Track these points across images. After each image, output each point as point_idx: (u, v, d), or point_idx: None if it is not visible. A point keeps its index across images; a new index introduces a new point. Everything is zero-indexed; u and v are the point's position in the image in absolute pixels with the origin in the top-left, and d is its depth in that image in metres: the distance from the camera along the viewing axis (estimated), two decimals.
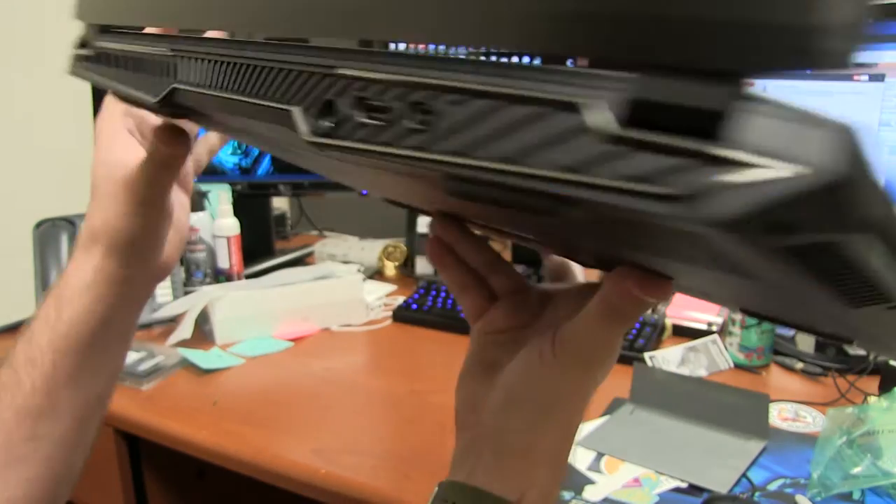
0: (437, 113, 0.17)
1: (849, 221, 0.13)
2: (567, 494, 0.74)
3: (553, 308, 0.41)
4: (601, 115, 0.14)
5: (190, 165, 0.51)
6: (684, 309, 1.18)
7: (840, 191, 0.12)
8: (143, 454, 1.02)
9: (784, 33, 0.12)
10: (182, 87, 0.25)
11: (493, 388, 0.39)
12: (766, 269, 0.17)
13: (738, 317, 1.04)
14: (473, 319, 0.42)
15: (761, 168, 0.12)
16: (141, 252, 0.46)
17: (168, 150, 0.41)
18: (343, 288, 1.22)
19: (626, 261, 0.29)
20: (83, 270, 0.46)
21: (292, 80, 0.21)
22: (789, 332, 1.13)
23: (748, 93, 0.13)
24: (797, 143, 0.12)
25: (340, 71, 0.20)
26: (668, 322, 1.15)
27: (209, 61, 0.24)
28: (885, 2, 0.97)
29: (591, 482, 0.76)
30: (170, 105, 0.26)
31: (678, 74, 0.13)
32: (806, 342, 1.10)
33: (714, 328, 1.12)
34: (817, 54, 0.12)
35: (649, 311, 1.18)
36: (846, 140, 0.12)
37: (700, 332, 1.12)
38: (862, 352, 1.05)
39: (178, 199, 0.49)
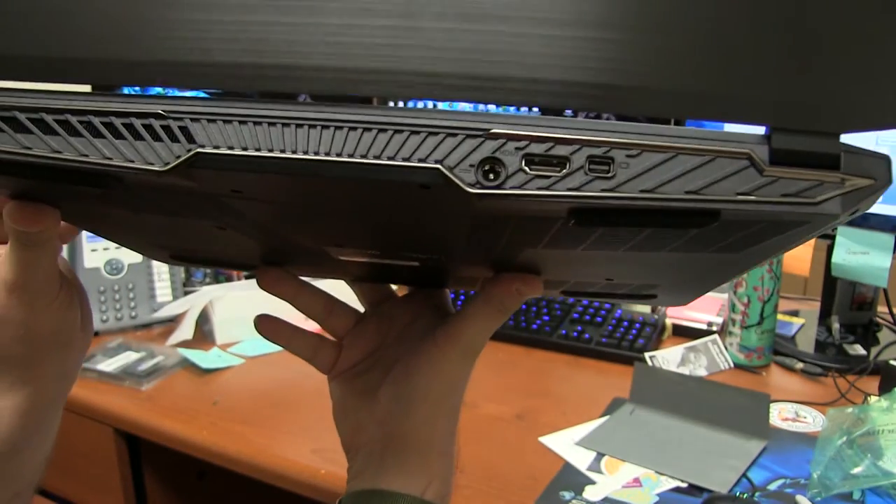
0: (616, 164, 0.23)
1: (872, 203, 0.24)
2: (567, 494, 0.74)
3: (391, 321, 0.46)
4: (763, 159, 0.22)
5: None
6: (684, 309, 1.18)
7: (884, 188, 0.23)
8: (143, 454, 1.02)
9: (863, 113, 0.22)
10: (217, 152, 0.23)
11: (376, 403, 0.42)
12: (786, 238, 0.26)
13: (738, 317, 1.04)
14: (328, 370, 0.46)
15: (857, 181, 0.22)
16: (61, 345, 0.40)
17: (40, 227, 0.32)
18: (343, 288, 1.21)
19: (481, 271, 0.38)
20: None
21: (418, 140, 0.23)
22: (790, 333, 1.14)
23: (842, 144, 0.22)
24: (869, 168, 0.23)
25: (504, 130, 0.23)
26: (668, 322, 1.15)
27: (260, 123, 0.23)
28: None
29: (591, 482, 0.76)
30: (176, 175, 0.24)
31: (804, 133, 0.22)
32: (806, 342, 1.10)
33: (714, 328, 1.12)
34: (878, 121, 0.22)
35: (649, 312, 1.18)
36: (889, 164, 0.23)
37: (700, 332, 1.12)
38: (862, 352, 1.05)
39: (67, 280, 0.41)
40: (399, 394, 0.41)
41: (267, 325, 0.45)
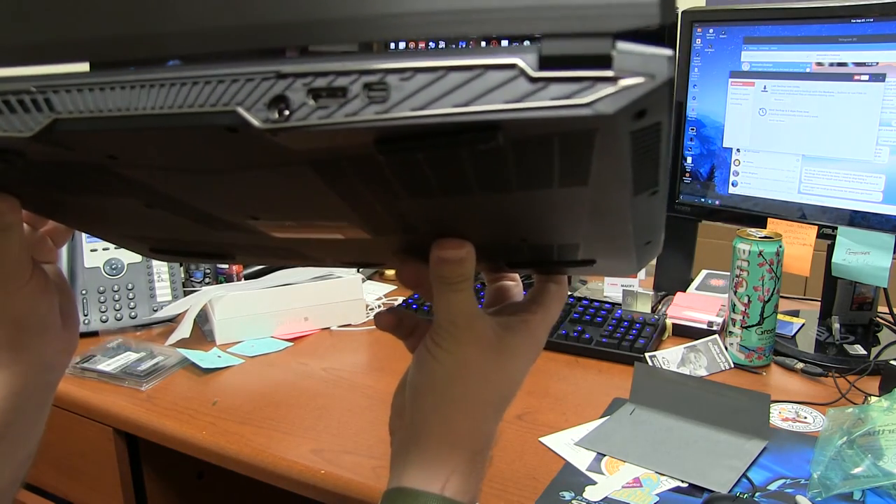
0: (390, 87, 0.24)
1: (669, 106, 0.23)
2: (567, 494, 0.74)
3: None
4: (533, 67, 0.23)
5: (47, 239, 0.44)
6: (684, 309, 1.18)
7: (668, 87, 0.22)
8: (142, 454, 1.02)
9: (627, 10, 0.22)
10: (70, 116, 0.27)
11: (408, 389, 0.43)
12: (612, 162, 0.26)
13: (738, 317, 1.04)
14: (413, 346, 0.46)
15: (632, 79, 0.22)
16: (35, 332, 0.42)
17: None
18: (343, 288, 1.22)
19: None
20: None
21: (224, 88, 0.25)
22: (790, 333, 1.14)
23: (616, 43, 0.22)
24: (646, 65, 0.22)
25: (292, 69, 0.24)
26: (669, 322, 1.15)
27: (104, 89, 0.27)
28: (884, 1, 0.97)
29: (591, 482, 0.76)
30: (42, 140, 0.28)
31: (573, 37, 0.22)
32: (806, 342, 1.10)
33: (714, 328, 1.12)
34: (648, 18, 0.22)
35: (649, 311, 1.18)
36: (671, 60, 0.22)
37: (700, 331, 1.12)
38: (862, 352, 1.05)
39: (40, 267, 0.43)
40: (411, 385, 0.42)
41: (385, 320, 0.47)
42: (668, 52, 0.22)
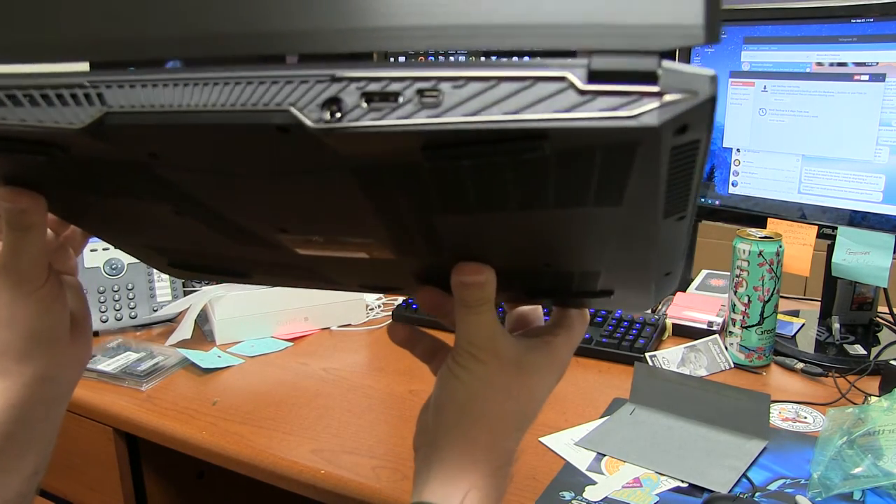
0: (443, 94, 0.24)
1: (709, 124, 0.25)
2: (567, 494, 0.74)
3: None
4: (582, 80, 0.24)
5: (68, 249, 0.45)
6: (684, 309, 1.18)
7: (710, 105, 0.23)
8: (142, 454, 1.02)
9: (673, 31, 0.23)
10: (121, 110, 0.27)
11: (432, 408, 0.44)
12: (648, 178, 0.27)
13: (738, 317, 1.04)
14: (436, 369, 0.47)
15: (676, 95, 0.23)
16: (42, 340, 0.42)
17: (22, 205, 0.36)
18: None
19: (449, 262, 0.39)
20: None
21: (277, 88, 0.26)
22: (790, 333, 1.13)
23: (662, 61, 0.23)
24: (690, 82, 0.23)
25: (347, 74, 0.25)
26: (669, 322, 1.15)
27: (157, 85, 0.27)
28: (884, 1, 0.97)
29: (591, 482, 0.76)
30: (92, 132, 0.28)
31: (622, 54, 0.23)
32: (806, 342, 1.10)
33: (714, 328, 1.12)
34: (692, 38, 0.23)
35: (650, 312, 1.18)
36: (713, 79, 0.23)
37: (700, 331, 1.12)
38: (862, 352, 1.05)
39: (62, 274, 0.44)
40: (435, 401, 0.43)
41: (402, 333, 0.48)
42: (710, 72, 0.23)
